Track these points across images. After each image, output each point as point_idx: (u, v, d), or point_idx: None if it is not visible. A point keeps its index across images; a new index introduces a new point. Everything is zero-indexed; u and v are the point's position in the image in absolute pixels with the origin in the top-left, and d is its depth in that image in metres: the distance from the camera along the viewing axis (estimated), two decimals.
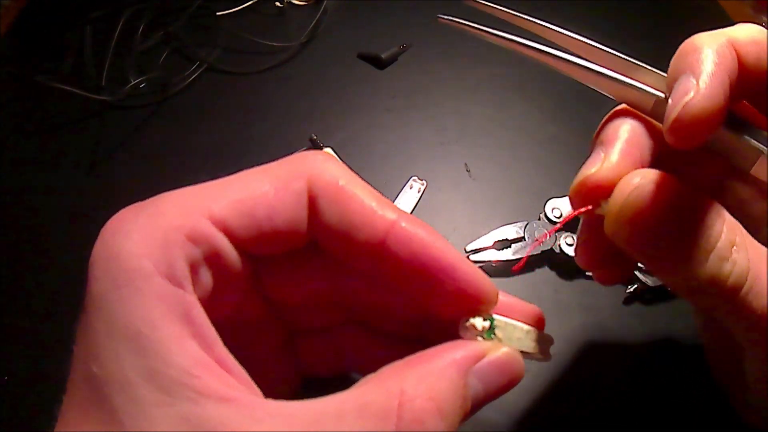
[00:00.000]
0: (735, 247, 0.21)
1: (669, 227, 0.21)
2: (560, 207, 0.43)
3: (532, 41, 0.24)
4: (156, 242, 0.18)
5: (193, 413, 0.16)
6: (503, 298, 0.23)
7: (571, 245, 0.41)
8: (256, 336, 0.25)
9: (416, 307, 0.23)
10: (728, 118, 0.22)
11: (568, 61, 0.23)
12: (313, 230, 0.21)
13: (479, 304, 0.21)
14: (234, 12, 0.58)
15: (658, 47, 0.62)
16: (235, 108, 0.52)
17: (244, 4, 0.58)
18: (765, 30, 0.23)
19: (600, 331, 0.39)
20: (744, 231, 0.22)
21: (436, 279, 0.20)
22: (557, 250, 0.41)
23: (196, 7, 0.58)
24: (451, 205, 0.46)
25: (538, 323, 0.24)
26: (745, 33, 0.23)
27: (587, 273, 0.42)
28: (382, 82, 0.54)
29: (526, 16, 0.26)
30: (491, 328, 0.22)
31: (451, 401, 0.19)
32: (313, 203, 0.20)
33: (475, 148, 0.50)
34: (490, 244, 0.41)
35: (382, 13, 0.61)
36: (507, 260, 0.41)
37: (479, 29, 0.25)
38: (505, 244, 0.41)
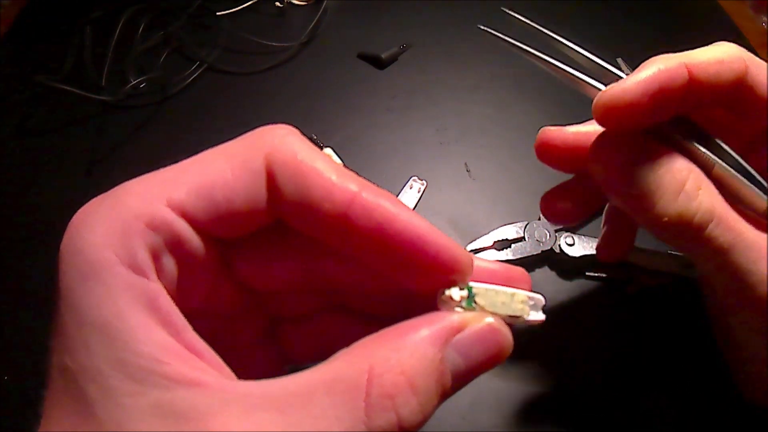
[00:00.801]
0: (701, 191, 0.25)
1: (642, 168, 0.25)
2: None
3: (556, 59, 0.28)
4: (117, 232, 0.18)
5: (164, 400, 0.16)
6: (484, 264, 0.22)
7: (571, 245, 0.41)
8: (235, 326, 0.24)
9: (394, 283, 0.22)
10: (689, 130, 0.26)
11: (581, 80, 0.27)
12: (275, 208, 0.20)
13: (453, 274, 0.20)
14: (234, 12, 0.58)
15: (659, 47, 0.62)
16: (235, 108, 0.52)
17: (244, 4, 0.58)
18: (737, 49, 0.27)
19: (600, 330, 0.39)
20: (710, 183, 0.26)
21: (404, 250, 0.20)
22: (557, 250, 0.41)
23: (196, 7, 0.58)
24: (451, 205, 0.46)
25: (524, 285, 0.23)
26: (711, 53, 0.27)
27: (587, 273, 0.42)
28: (382, 82, 0.54)
29: (557, 36, 0.31)
30: (470, 297, 0.21)
31: (425, 376, 0.18)
32: (272, 180, 0.20)
33: (475, 148, 0.50)
34: (490, 244, 0.41)
35: (382, 13, 0.61)
36: (507, 260, 0.41)
37: (514, 44, 0.29)
38: (505, 244, 0.41)
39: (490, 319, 0.20)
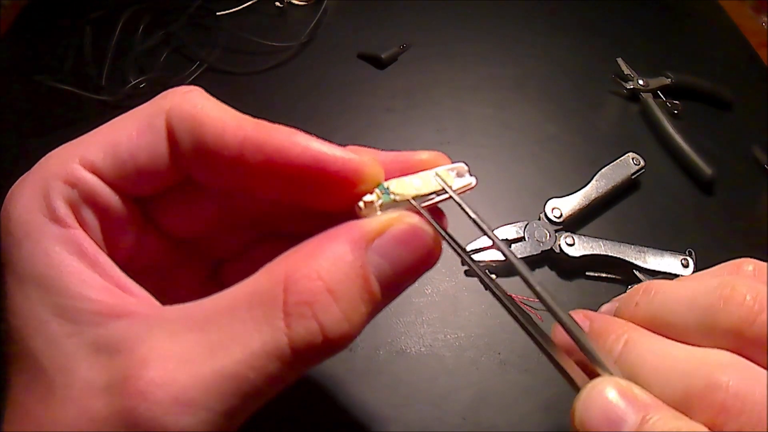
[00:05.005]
0: None
1: None
2: (560, 207, 0.43)
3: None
4: (39, 193, 0.19)
5: (99, 336, 0.17)
6: (394, 157, 0.22)
7: (571, 245, 0.41)
8: (177, 277, 0.25)
9: (316, 206, 0.22)
10: None
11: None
12: (179, 163, 0.21)
13: (362, 184, 0.20)
14: (234, 12, 0.58)
15: (659, 47, 0.62)
16: (235, 108, 0.52)
17: (244, 4, 0.58)
18: None
19: None
20: None
21: (308, 176, 0.20)
22: (557, 250, 0.41)
23: (196, 7, 0.58)
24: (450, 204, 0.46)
25: (443, 163, 0.22)
26: None
27: (587, 273, 0.42)
28: (382, 82, 0.54)
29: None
30: (385, 192, 0.20)
31: (346, 282, 0.18)
32: (172, 136, 0.20)
33: (475, 148, 0.50)
34: (491, 243, 0.41)
35: (382, 13, 0.61)
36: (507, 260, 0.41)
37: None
38: (505, 244, 0.41)
39: (411, 219, 0.20)
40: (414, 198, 0.20)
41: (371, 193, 0.20)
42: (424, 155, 0.22)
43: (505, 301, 0.22)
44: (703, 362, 0.18)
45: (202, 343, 0.17)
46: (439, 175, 0.21)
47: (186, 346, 0.17)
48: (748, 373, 0.18)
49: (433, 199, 0.21)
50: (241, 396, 0.17)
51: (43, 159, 0.21)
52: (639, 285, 0.24)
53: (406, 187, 0.20)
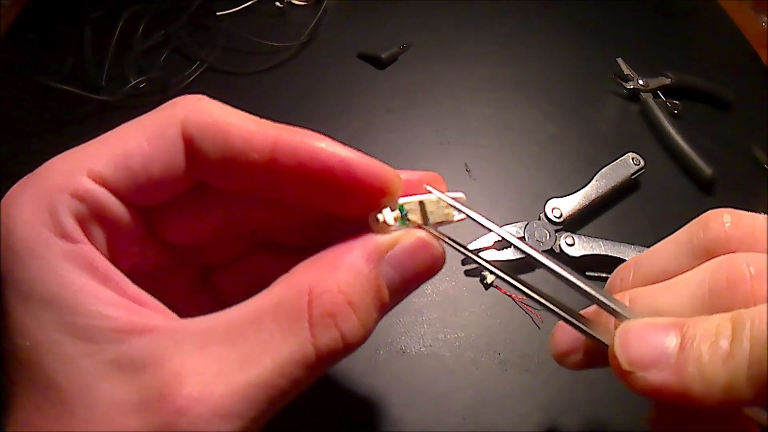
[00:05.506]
0: None
1: None
2: (560, 207, 0.43)
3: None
4: (44, 207, 0.18)
5: (121, 353, 0.17)
6: (402, 175, 0.23)
7: (571, 245, 0.41)
8: (166, 281, 0.25)
9: (319, 213, 0.23)
10: None
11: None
12: (195, 172, 0.21)
13: (384, 196, 0.21)
14: (234, 12, 0.58)
15: (659, 47, 0.62)
16: (235, 108, 0.52)
17: (244, 4, 0.58)
18: None
19: None
20: None
21: (334, 181, 0.20)
22: (557, 250, 0.41)
23: (196, 7, 0.58)
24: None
25: (441, 185, 0.24)
26: None
27: (587, 273, 0.42)
28: (382, 82, 0.54)
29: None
30: (403, 216, 0.21)
31: (363, 293, 0.19)
32: (190, 145, 0.20)
33: (475, 148, 0.50)
34: (490, 244, 0.41)
35: (382, 13, 0.61)
36: (507, 260, 0.41)
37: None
38: (505, 244, 0.41)
39: (420, 233, 0.21)
40: (426, 224, 0.22)
41: (390, 209, 0.21)
42: (420, 175, 0.24)
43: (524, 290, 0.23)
44: (711, 266, 0.20)
45: (231, 355, 0.17)
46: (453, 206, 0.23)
47: (216, 359, 0.17)
48: (754, 255, 0.19)
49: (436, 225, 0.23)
50: (271, 402, 0.18)
51: (42, 169, 0.20)
52: (615, 270, 0.25)
53: (420, 214, 0.22)
